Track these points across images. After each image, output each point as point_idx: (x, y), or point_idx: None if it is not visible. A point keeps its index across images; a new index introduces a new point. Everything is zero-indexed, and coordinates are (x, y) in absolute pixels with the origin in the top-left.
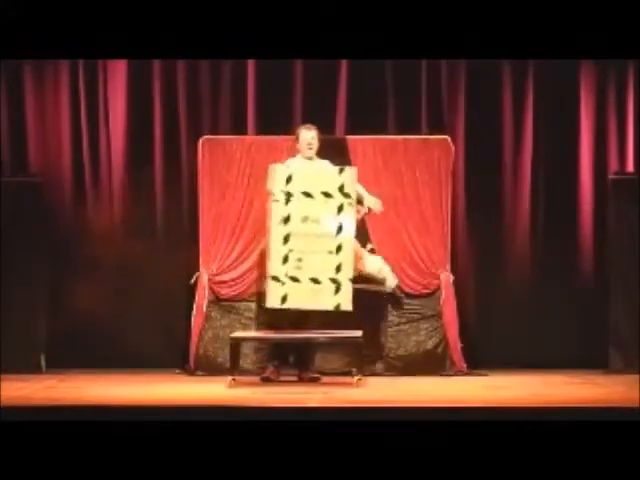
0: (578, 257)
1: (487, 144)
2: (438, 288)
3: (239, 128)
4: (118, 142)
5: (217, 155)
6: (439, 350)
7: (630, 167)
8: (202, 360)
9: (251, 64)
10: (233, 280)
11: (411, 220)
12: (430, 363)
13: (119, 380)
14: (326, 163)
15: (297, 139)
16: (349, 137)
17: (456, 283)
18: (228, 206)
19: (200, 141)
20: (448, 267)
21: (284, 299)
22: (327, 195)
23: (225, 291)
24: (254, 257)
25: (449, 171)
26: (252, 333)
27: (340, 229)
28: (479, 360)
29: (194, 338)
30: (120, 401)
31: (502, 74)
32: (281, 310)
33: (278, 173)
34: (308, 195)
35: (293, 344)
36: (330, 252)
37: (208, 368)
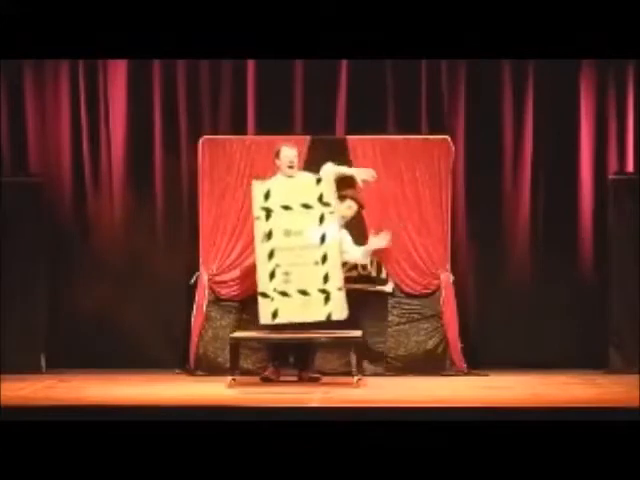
0: (578, 257)
1: (487, 144)
2: (438, 288)
3: (239, 128)
4: (118, 142)
5: (217, 155)
6: (439, 350)
7: (630, 167)
8: (202, 360)
9: (251, 64)
10: (233, 280)
11: (411, 220)
12: (430, 363)
13: (119, 380)
14: (304, 174)
15: (277, 156)
16: (349, 137)
17: (456, 283)
18: (228, 206)
19: (200, 141)
20: (448, 267)
21: (275, 314)
22: (307, 206)
23: (225, 291)
24: (254, 257)
25: (449, 171)
26: (252, 333)
27: (323, 239)
28: (479, 360)
29: (194, 338)
30: (120, 401)
31: (502, 74)
32: None
33: (256, 190)
34: (288, 208)
35: (293, 344)
36: (316, 263)
37: (208, 368)
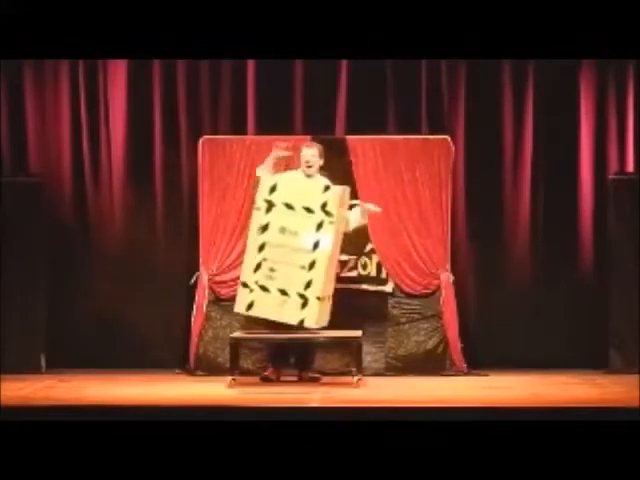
0: (578, 257)
1: (487, 144)
2: (438, 288)
3: (239, 128)
4: (118, 142)
5: (217, 155)
6: (439, 350)
7: (630, 167)
8: (202, 360)
9: (251, 64)
10: (233, 280)
11: (411, 220)
12: (430, 363)
13: (119, 380)
14: (318, 178)
15: (300, 154)
16: (349, 137)
17: (456, 283)
18: (228, 206)
19: (200, 141)
20: (448, 267)
21: (250, 306)
22: (308, 210)
23: (225, 291)
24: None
25: (449, 171)
26: (252, 333)
27: (316, 245)
28: (479, 360)
29: (194, 338)
30: (120, 401)
31: (502, 74)
32: None
33: (263, 181)
34: (289, 207)
35: (293, 344)
36: (303, 267)
37: (208, 368)
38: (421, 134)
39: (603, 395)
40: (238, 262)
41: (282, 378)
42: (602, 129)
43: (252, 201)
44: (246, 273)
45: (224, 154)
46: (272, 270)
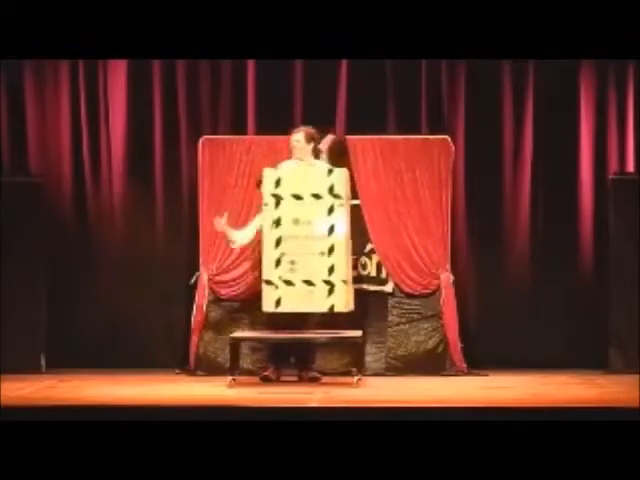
0: (578, 257)
1: (487, 144)
2: (438, 288)
3: (239, 128)
4: (118, 142)
5: (217, 155)
6: (439, 350)
7: (630, 167)
8: (202, 360)
9: (251, 64)
10: (233, 280)
11: (411, 220)
12: (430, 363)
13: (119, 380)
14: (319, 164)
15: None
16: (349, 137)
17: (456, 283)
18: (228, 206)
19: (200, 141)
20: (448, 267)
21: (278, 302)
22: (317, 197)
23: (225, 291)
24: (254, 257)
25: (449, 171)
26: (252, 333)
27: (331, 230)
28: (479, 360)
29: (194, 338)
30: (120, 401)
31: (502, 74)
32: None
33: (267, 177)
34: (298, 197)
35: (293, 344)
36: (322, 253)
37: (208, 368)
38: (421, 134)
39: (603, 395)
40: (238, 262)
41: (282, 378)
42: (602, 129)
43: (259, 195)
44: (267, 270)
45: (224, 154)
46: (293, 263)
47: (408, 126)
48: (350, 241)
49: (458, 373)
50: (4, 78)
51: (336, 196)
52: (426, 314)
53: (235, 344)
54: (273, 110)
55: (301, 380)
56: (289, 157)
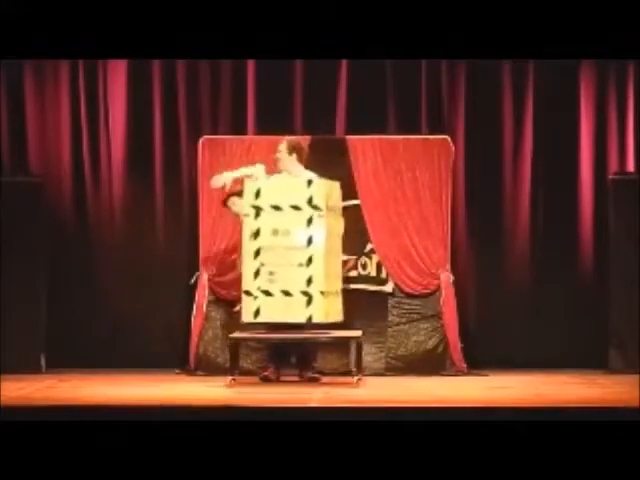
0: (578, 257)
1: (487, 144)
2: (438, 288)
3: (239, 128)
4: (118, 142)
5: (217, 155)
6: (439, 350)
7: (630, 167)
8: (202, 360)
9: (251, 64)
10: (233, 280)
11: (411, 220)
12: (430, 363)
13: (119, 380)
14: (302, 175)
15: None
16: (349, 137)
17: (456, 283)
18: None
19: (200, 141)
20: (448, 267)
21: (257, 313)
22: (296, 208)
23: (225, 291)
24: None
25: (449, 171)
26: (252, 333)
27: (310, 241)
28: (479, 360)
29: (194, 338)
30: (120, 401)
31: (502, 74)
32: None
33: (247, 188)
34: (277, 208)
35: (293, 344)
36: (301, 265)
37: (208, 368)
38: (421, 134)
39: (603, 395)
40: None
41: (282, 378)
42: (602, 129)
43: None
44: (247, 281)
45: (224, 154)
46: (271, 273)
47: (408, 126)
48: (336, 252)
49: (458, 373)
50: (4, 78)
51: (315, 207)
52: (426, 314)
53: (235, 344)
54: (273, 110)
55: (301, 380)
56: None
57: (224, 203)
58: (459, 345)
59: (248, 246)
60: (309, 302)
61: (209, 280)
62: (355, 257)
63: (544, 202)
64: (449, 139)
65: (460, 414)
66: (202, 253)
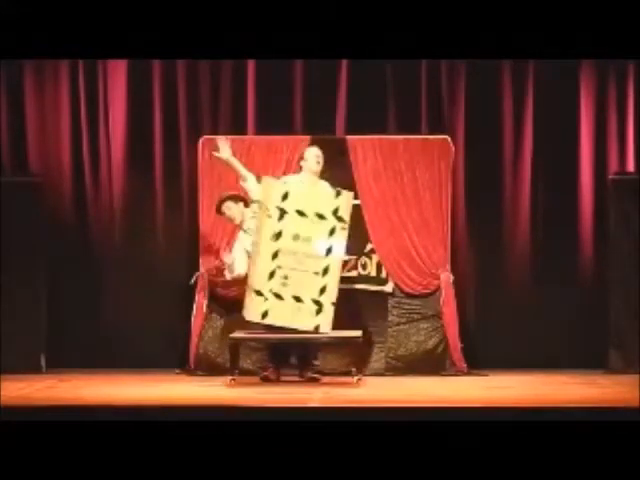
0: (578, 257)
1: (487, 144)
2: (438, 288)
3: (239, 128)
4: (118, 142)
5: None
6: (439, 350)
7: (630, 167)
8: (202, 360)
9: (251, 64)
10: (233, 280)
11: (411, 220)
12: (430, 363)
13: (119, 380)
14: (325, 185)
15: (304, 158)
16: (349, 137)
17: (456, 283)
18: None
19: (200, 141)
20: (448, 267)
21: (265, 314)
22: (320, 217)
23: (225, 291)
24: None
25: (449, 171)
26: (252, 333)
27: (329, 251)
28: (479, 360)
29: (194, 338)
30: (120, 401)
31: (502, 74)
32: None
33: (275, 189)
34: (302, 214)
35: (293, 344)
36: (316, 273)
37: (208, 368)
38: (421, 134)
39: (603, 395)
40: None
41: (282, 378)
42: (602, 129)
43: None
44: (260, 281)
45: None
46: (286, 277)
47: (408, 126)
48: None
49: (458, 373)
50: (4, 78)
51: (339, 219)
52: (426, 314)
53: (235, 344)
54: (273, 110)
55: (301, 380)
56: (291, 154)
57: (218, 209)
58: (459, 345)
59: (267, 247)
60: (319, 311)
61: (209, 280)
62: (355, 257)
63: (544, 202)
64: (449, 139)
65: (460, 414)
66: (202, 253)
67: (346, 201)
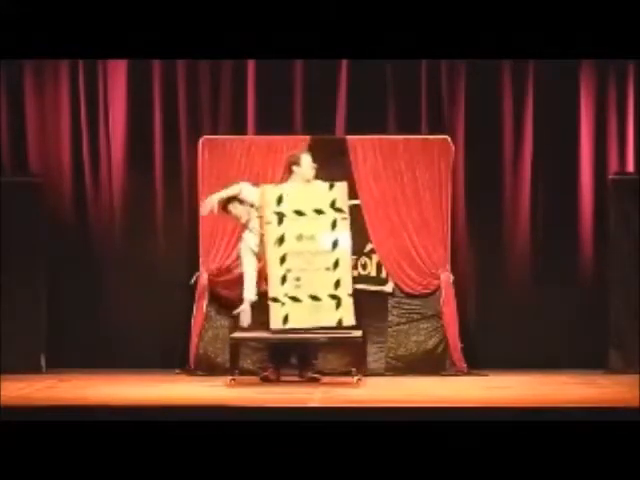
0: (578, 257)
1: (487, 144)
2: (438, 288)
3: (239, 128)
4: (118, 142)
5: (217, 155)
6: (439, 350)
7: (630, 167)
8: (202, 360)
9: (251, 64)
10: (233, 280)
11: (411, 220)
12: (430, 363)
13: (119, 380)
14: (317, 181)
15: (297, 163)
16: (349, 137)
17: (456, 283)
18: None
19: (200, 141)
20: (448, 267)
21: (286, 319)
22: (319, 212)
23: (225, 291)
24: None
25: (449, 171)
26: (252, 333)
27: (335, 244)
28: (479, 360)
29: (194, 338)
30: (120, 401)
31: (502, 74)
32: None
33: (268, 195)
34: (300, 213)
35: (293, 344)
36: (327, 268)
37: (208, 368)
38: (421, 134)
39: (603, 395)
40: (238, 262)
41: (282, 378)
42: (602, 129)
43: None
44: (273, 288)
45: (224, 154)
46: (298, 279)
47: (408, 126)
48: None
49: (458, 373)
50: (4, 78)
51: (338, 210)
52: (426, 314)
53: (235, 344)
54: (273, 110)
55: (301, 380)
56: (290, 154)
57: (224, 207)
58: (459, 345)
59: (273, 253)
60: (338, 305)
61: (209, 280)
62: (355, 257)
63: (544, 202)
64: (449, 139)
65: (460, 414)
66: (202, 253)
67: (341, 191)
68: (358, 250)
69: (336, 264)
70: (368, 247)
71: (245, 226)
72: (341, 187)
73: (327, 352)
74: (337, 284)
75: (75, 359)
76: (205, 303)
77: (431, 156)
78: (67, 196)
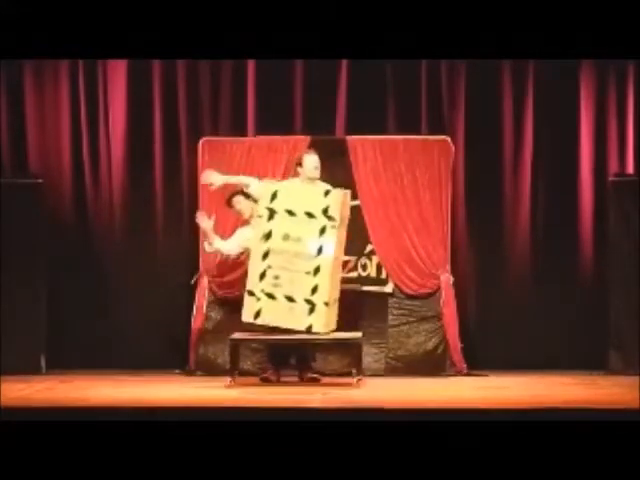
0: (578, 257)
1: (487, 144)
2: (438, 289)
3: (239, 128)
4: (118, 142)
5: (217, 156)
6: (439, 351)
7: (630, 168)
8: (202, 360)
9: (251, 64)
10: (233, 281)
11: (411, 220)
12: (430, 364)
13: (119, 380)
14: (319, 184)
15: (300, 164)
16: (349, 137)
17: (456, 284)
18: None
19: (200, 142)
20: (448, 268)
21: (257, 314)
22: (310, 215)
23: (225, 292)
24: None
25: (449, 171)
26: (252, 334)
27: (320, 250)
28: (479, 360)
29: (194, 338)
30: (120, 401)
31: (502, 74)
32: None
33: (264, 189)
34: (291, 213)
35: (293, 345)
36: (308, 273)
37: (208, 368)
38: (421, 134)
39: (603, 396)
40: (238, 263)
41: (282, 379)
42: (602, 129)
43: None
44: (252, 281)
45: (224, 155)
46: (277, 277)
47: (408, 126)
48: (340, 261)
49: (458, 374)
50: (4, 78)
51: (329, 218)
52: (426, 315)
53: (235, 345)
54: (273, 110)
55: (301, 381)
56: (290, 154)
57: (228, 202)
58: (459, 346)
59: (257, 247)
60: (311, 311)
61: (209, 280)
62: (355, 258)
63: (544, 202)
64: (449, 139)
65: (460, 415)
66: (202, 253)
67: (336, 200)
68: (358, 251)
69: (317, 270)
70: (368, 248)
71: (248, 222)
72: (337, 195)
73: (327, 353)
74: (314, 290)
75: (75, 359)
76: (205, 303)
77: (431, 156)
78: (67, 196)
